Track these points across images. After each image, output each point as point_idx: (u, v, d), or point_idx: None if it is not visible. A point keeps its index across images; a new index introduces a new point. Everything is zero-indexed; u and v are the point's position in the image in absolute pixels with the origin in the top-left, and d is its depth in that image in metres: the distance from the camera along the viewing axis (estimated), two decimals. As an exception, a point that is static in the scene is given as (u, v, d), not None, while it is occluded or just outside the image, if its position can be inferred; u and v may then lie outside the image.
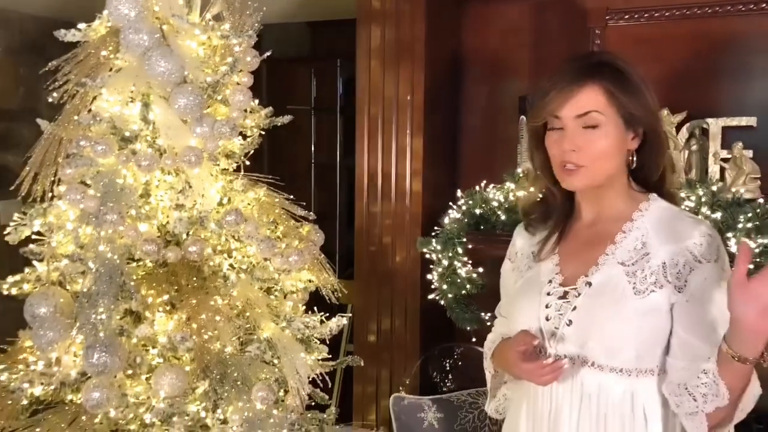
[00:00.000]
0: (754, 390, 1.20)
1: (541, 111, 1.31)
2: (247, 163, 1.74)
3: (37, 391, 1.51)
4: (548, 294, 1.33)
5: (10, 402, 1.55)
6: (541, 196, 1.43)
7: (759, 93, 2.22)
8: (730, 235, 1.75)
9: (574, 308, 1.29)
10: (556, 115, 1.28)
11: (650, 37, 2.34)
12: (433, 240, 2.37)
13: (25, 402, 1.54)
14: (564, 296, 1.32)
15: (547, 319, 1.31)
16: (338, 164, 4.45)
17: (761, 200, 1.90)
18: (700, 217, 1.84)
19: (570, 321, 1.28)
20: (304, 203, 1.80)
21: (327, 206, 4.32)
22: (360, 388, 2.74)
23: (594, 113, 1.25)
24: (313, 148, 4.49)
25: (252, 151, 1.75)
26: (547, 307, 1.32)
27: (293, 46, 4.50)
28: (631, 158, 1.31)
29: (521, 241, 1.48)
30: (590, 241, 1.34)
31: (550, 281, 1.34)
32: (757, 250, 1.76)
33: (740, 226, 1.77)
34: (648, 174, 1.33)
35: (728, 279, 1.20)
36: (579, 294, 1.29)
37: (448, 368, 2.49)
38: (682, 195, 1.92)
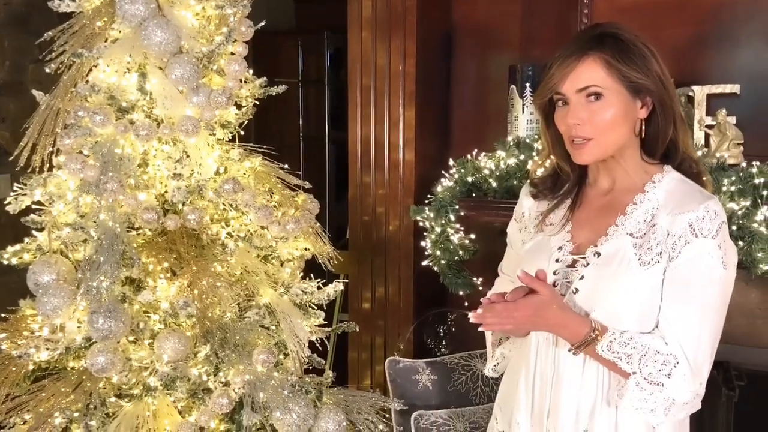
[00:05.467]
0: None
1: (543, 88, 1.32)
2: (242, 133, 1.76)
3: (43, 356, 1.53)
4: (557, 261, 1.34)
5: (14, 369, 1.58)
6: (550, 167, 1.44)
7: (743, 60, 2.25)
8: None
9: (582, 277, 1.30)
10: (558, 91, 1.29)
11: (637, 6, 2.36)
12: (426, 208, 2.40)
13: (30, 368, 1.57)
14: (573, 264, 1.33)
15: (555, 285, 1.32)
16: (327, 137, 4.45)
17: (744, 164, 1.94)
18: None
19: (577, 289, 1.31)
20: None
21: (316, 179, 4.32)
22: (355, 354, 2.78)
23: (593, 87, 1.26)
24: (300, 122, 4.49)
25: (245, 122, 1.77)
26: (555, 273, 1.34)
27: (279, 19, 4.47)
28: (641, 127, 1.30)
29: (529, 202, 1.48)
30: (603, 210, 1.35)
31: (561, 248, 1.36)
32: (740, 212, 1.81)
33: (724, 189, 1.82)
34: (659, 143, 1.32)
35: (730, 259, 1.24)
36: (588, 263, 1.31)
37: (441, 333, 2.55)
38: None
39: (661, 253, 1.26)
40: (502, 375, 1.53)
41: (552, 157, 1.42)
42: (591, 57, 1.26)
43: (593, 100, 1.26)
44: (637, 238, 1.29)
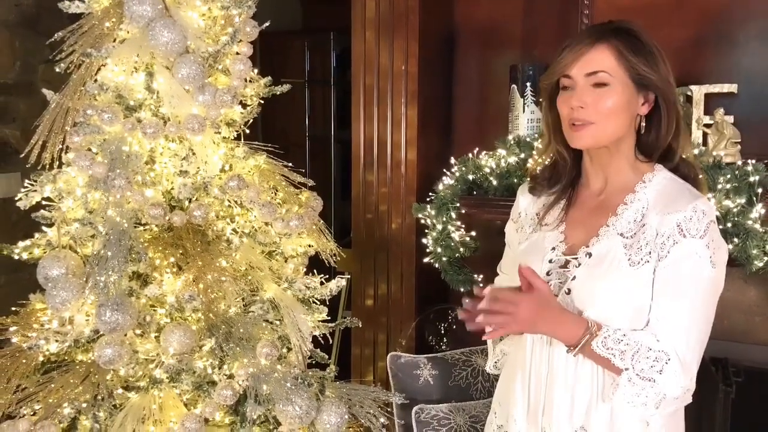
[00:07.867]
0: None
1: (553, 69, 1.33)
2: (247, 131, 1.80)
3: (53, 347, 1.57)
4: (550, 261, 1.36)
5: (24, 361, 1.61)
6: (550, 160, 1.45)
7: (740, 60, 2.26)
8: (710, 195, 1.83)
9: (574, 278, 1.32)
10: (567, 73, 1.31)
11: (636, 6, 2.38)
12: (428, 206, 2.42)
13: (40, 359, 1.60)
14: (565, 265, 1.34)
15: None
16: (333, 137, 4.49)
17: (740, 163, 1.96)
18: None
19: (569, 290, 1.32)
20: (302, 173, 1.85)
21: (322, 179, 4.36)
22: (358, 350, 2.81)
23: (603, 73, 1.27)
24: (307, 121, 4.53)
25: (250, 122, 1.80)
26: (548, 274, 1.35)
27: (286, 20, 4.50)
28: (640, 123, 1.32)
29: (525, 202, 1.50)
30: (595, 211, 1.36)
31: (554, 248, 1.37)
32: (735, 210, 1.83)
33: (720, 187, 1.85)
34: (657, 142, 1.33)
35: (719, 258, 1.25)
36: (579, 264, 1.32)
37: (442, 329, 2.57)
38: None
39: (650, 252, 1.27)
40: (503, 371, 1.56)
41: (551, 145, 1.43)
42: (604, 44, 1.28)
43: (600, 86, 1.28)
44: (627, 238, 1.30)
